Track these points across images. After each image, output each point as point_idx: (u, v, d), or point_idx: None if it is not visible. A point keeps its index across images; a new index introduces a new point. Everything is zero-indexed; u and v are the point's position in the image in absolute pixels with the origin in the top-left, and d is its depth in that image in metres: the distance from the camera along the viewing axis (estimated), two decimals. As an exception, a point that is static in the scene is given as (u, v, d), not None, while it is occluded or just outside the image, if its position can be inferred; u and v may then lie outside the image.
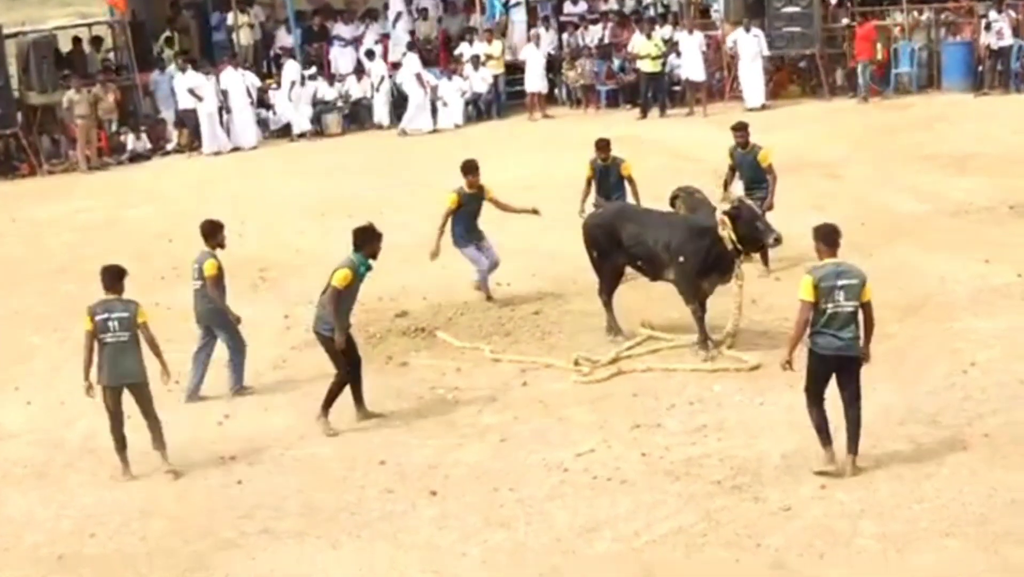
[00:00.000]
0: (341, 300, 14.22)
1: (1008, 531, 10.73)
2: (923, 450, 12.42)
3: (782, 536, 11.05)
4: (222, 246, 15.64)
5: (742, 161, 18.67)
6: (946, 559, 10.41)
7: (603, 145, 18.76)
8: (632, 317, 16.48)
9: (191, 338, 17.35)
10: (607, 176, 18.64)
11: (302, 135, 32.79)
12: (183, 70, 32.21)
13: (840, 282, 11.84)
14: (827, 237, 12.14)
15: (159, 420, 13.65)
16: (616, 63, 33.96)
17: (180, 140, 32.52)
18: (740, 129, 18.71)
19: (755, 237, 15.14)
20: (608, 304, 16.40)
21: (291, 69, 33.23)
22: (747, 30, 31.68)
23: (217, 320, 15.55)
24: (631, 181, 18.55)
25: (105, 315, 13.47)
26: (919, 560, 10.44)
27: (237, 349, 15.76)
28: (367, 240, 14.51)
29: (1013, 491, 11.40)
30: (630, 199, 18.34)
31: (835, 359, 11.96)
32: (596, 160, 18.71)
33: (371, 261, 14.52)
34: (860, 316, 11.94)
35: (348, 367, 14.43)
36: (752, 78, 31.74)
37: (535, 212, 18.19)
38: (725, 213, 15.11)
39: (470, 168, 17.94)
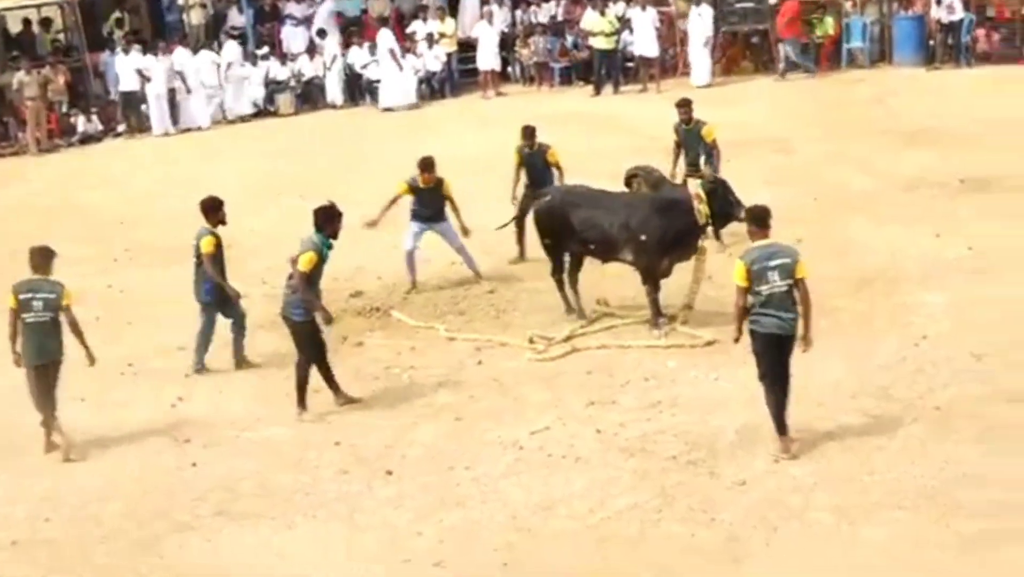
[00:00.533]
0: (311, 282, 14.16)
1: (959, 504, 10.82)
2: (875, 423, 12.49)
3: (737, 510, 11.10)
4: (223, 223, 15.60)
5: (686, 137, 18.72)
6: (898, 532, 10.48)
7: (528, 132, 18.72)
8: (587, 294, 16.49)
9: (149, 320, 17.38)
10: (534, 163, 18.56)
11: (247, 116, 32.68)
12: (126, 51, 31.96)
13: (772, 263, 11.91)
14: (758, 219, 12.26)
15: (56, 402, 13.66)
16: (569, 40, 33.96)
17: (130, 122, 32.33)
18: (684, 105, 18.84)
19: (729, 212, 15.14)
20: (561, 284, 16.30)
21: (231, 50, 33.07)
22: (696, 4, 31.75)
23: (215, 298, 15.56)
24: (558, 168, 18.45)
25: (29, 295, 13.48)
26: (871, 533, 10.51)
27: (238, 325, 15.81)
28: (328, 220, 14.51)
29: (964, 464, 11.49)
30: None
31: (777, 337, 12.02)
32: (523, 147, 18.64)
33: (332, 241, 14.47)
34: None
35: (317, 353, 14.33)
36: (699, 56, 31.80)
37: (465, 233, 17.97)
38: (703, 188, 15.09)
39: (426, 165, 17.77)
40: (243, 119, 32.63)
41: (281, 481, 12.58)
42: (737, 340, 12.40)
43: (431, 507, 11.74)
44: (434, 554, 10.92)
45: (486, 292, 17.45)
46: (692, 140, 18.81)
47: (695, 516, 11.08)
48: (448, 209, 17.94)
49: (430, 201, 17.87)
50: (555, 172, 18.47)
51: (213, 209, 15.57)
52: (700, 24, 31.71)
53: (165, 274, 19.22)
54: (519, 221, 18.03)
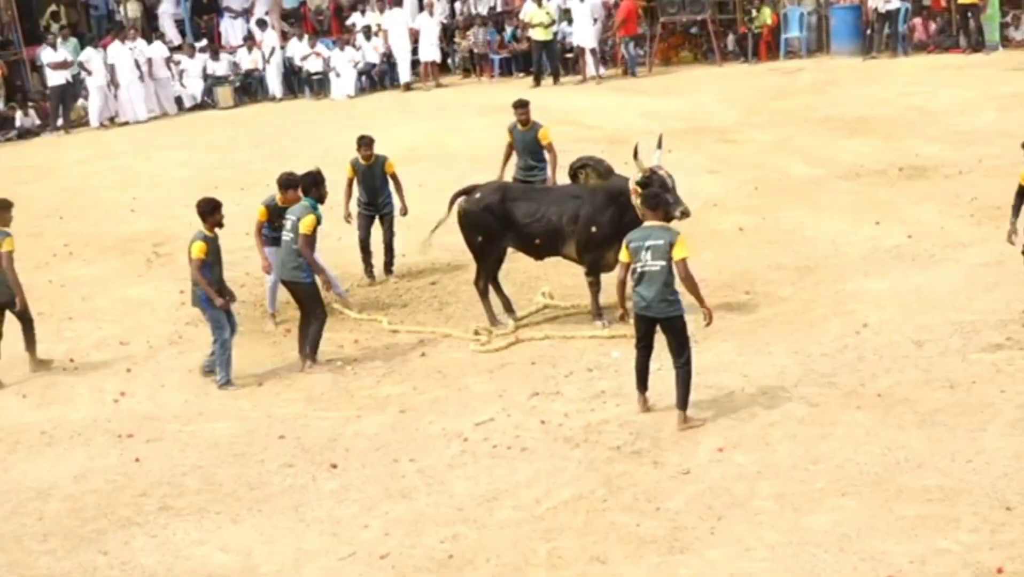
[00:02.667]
0: (313, 245, 14.97)
1: (902, 489, 10.88)
2: (818, 411, 12.55)
3: (681, 499, 11.12)
4: (220, 225, 15.03)
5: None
6: (843, 518, 10.52)
7: (520, 105, 18.64)
8: (533, 285, 16.52)
9: (89, 315, 17.27)
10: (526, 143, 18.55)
11: (189, 108, 32.58)
12: (53, 46, 31.70)
13: (648, 243, 12.33)
14: (649, 201, 12.78)
15: None
16: (508, 31, 33.97)
17: (68, 115, 32.09)
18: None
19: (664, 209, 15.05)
20: (486, 292, 15.94)
21: (156, 49, 32.95)
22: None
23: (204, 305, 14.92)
24: (550, 149, 18.25)
25: None
26: (816, 520, 10.56)
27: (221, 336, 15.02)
28: (315, 184, 15.45)
29: (906, 449, 11.56)
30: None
31: (645, 317, 12.49)
32: (515, 125, 18.58)
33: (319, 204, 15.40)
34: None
35: (324, 310, 15.19)
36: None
37: (404, 212, 18.04)
38: (637, 183, 14.95)
39: (365, 142, 17.85)
40: (184, 111, 32.49)
41: (225, 475, 12.52)
42: (622, 317, 13.01)
43: (376, 499, 11.71)
44: (380, 546, 10.89)
45: (428, 284, 17.45)
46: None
47: (640, 505, 11.09)
48: (392, 189, 18.00)
49: (371, 180, 17.88)
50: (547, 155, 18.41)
51: (210, 211, 14.93)
52: (584, 19, 32.22)
53: (105, 268, 19.14)
54: None
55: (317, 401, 14.21)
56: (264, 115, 31.58)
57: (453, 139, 23.95)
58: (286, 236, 15.11)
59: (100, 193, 23.59)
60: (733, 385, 13.31)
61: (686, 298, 12.48)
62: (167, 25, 35.48)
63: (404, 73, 33.40)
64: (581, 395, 13.53)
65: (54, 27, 33.91)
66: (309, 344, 15.12)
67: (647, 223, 12.61)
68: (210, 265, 14.74)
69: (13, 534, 11.73)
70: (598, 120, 26.58)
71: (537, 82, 31.99)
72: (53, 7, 34.95)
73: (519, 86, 31.88)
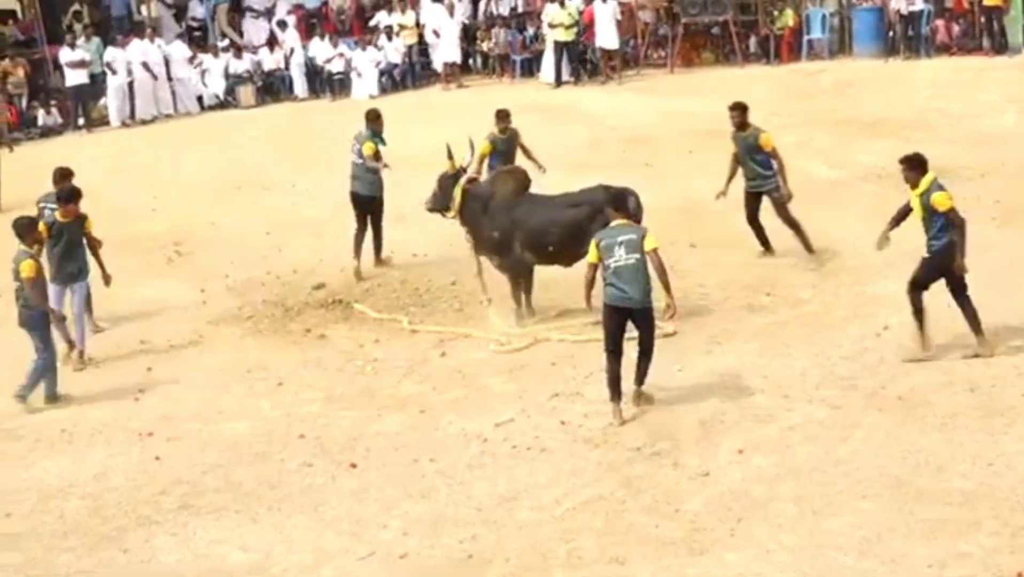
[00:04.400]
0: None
1: (922, 492, 10.86)
2: (839, 413, 12.53)
3: (700, 501, 11.11)
4: (40, 242, 14.98)
5: (507, 147, 18.58)
6: (863, 521, 10.50)
7: (503, 116, 18.74)
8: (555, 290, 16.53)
9: (112, 313, 17.32)
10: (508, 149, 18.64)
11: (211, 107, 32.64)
12: (71, 46, 31.77)
13: (620, 239, 12.79)
14: (615, 201, 13.43)
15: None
16: (531, 32, 33.93)
17: (88, 115, 32.13)
18: (503, 117, 18.42)
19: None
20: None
21: (176, 49, 33.02)
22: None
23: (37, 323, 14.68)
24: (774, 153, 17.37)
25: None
26: (836, 522, 10.54)
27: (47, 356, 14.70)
28: (375, 120, 18.65)
29: (927, 452, 11.53)
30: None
31: (621, 309, 12.80)
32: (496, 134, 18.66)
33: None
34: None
35: None
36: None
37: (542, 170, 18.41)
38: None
39: (503, 115, 18.74)
40: (206, 110, 32.55)
41: (245, 474, 12.54)
42: (588, 309, 13.49)
43: (396, 499, 11.72)
44: (399, 546, 10.90)
45: (449, 284, 17.43)
46: (512, 149, 18.63)
47: (659, 507, 11.09)
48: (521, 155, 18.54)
49: (508, 151, 18.40)
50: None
51: (28, 230, 14.72)
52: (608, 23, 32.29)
53: (125, 266, 19.11)
54: None
55: (337, 401, 14.22)
56: (285, 115, 31.58)
57: (475, 140, 23.89)
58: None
59: (121, 192, 23.61)
60: (753, 387, 13.29)
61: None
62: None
63: (450, 53, 33.37)
64: (601, 396, 13.47)
65: (77, 26, 33.95)
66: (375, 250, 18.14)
67: (615, 223, 13.04)
68: (42, 282, 14.69)
69: (34, 532, 11.77)
70: (619, 121, 26.55)
71: (558, 83, 31.95)
72: (76, 6, 34.99)
73: (540, 87, 31.93)
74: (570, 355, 14.76)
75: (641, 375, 13.07)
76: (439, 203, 16.27)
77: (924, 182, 13.69)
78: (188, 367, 15.63)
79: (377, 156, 18.44)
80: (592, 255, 12.91)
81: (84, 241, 16.16)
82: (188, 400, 14.57)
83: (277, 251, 19.77)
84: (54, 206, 16.56)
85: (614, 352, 12.91)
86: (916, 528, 10.34)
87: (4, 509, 12.23)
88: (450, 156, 16.11)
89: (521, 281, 15.89)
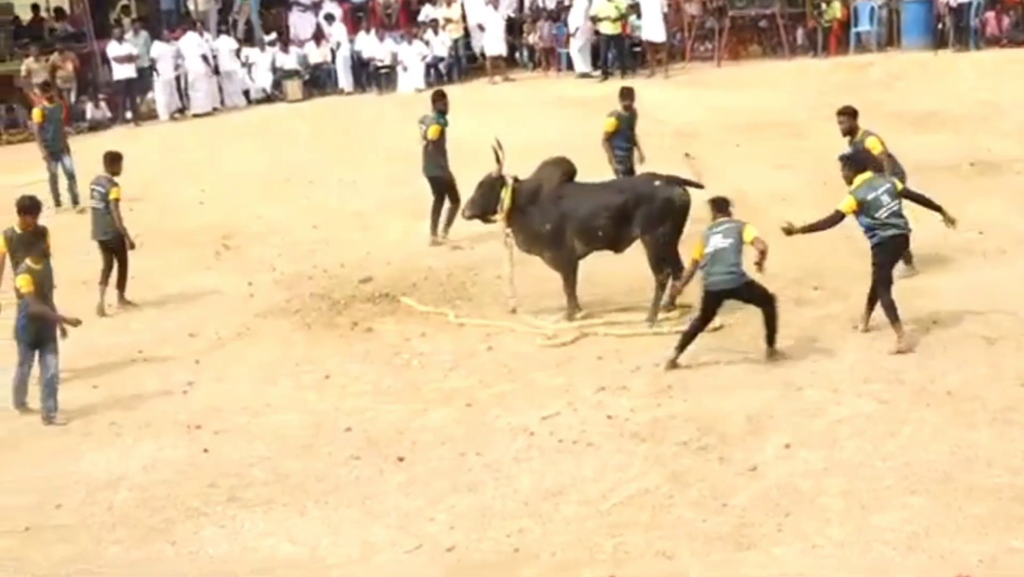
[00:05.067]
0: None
1: (971, 487, 10.80)
2: (887, 408, 12.47)
3: (747, 496, 11.08)
4: (46, 255, 14.45)
5: (629, 124, 18.95)
6: (911, 516, 10.45)
7: (627, 94, 19.03)
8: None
9: (159, 306, 17.46)
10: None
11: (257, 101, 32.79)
12: (119, 40, 31.94)
13: (718, 229, 13.92)
14: (717, 204, 14.28)
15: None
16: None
17: (136, 109, 32.30)
18: (845, 114, 17.11)
19: None
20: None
21: (223, 43, 33.14)
22: None
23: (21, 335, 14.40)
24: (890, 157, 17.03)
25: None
26: (884, 518, 10.49)
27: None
28: (440, 98, 19.82)
29: (975, 447, 11.47)
30: None
31: (718, 293, 13.88)
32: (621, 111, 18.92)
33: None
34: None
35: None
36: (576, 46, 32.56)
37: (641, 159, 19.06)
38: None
39: (627, 93, 19.18)
40: (253, 104, 32.69)
41: (293, 467, 12.57)
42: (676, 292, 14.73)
43: (442, 493, 11.73)
44: (445, 540, 10.91)
45: (495, 277, 17.41)
46: (633, 128, 19.06)
47: (706, 502, 11.06)
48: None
49: (630, 129, 18.88)
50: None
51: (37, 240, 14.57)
52: (577, 15, 32.56)
53: (174, 259, 19.28)
54: None
55: (384, 394, 14.25)
56: (332, 109, 31.64)
57: (519, 133, 23.88)
58: None
59: (169, 185, 23.77)
60: (801, 381, 13.25)
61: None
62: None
63: (495, 47, 33.47)
64: (647, 390, 13.50)
65: (125, 21, 34.11)
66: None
67: (717, 221, 14.05)
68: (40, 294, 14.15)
69: (83, 524, 11.83)
70: (666, 114, 26.46)
71: (605, 76, 31.90)
72: (124, 1, 35.18)
73: (587, 80, 31.88)
74: (616, 349, 14.76)
75: (771, 333, 13.88)
76: (479, 208, 16.29)
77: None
78: (236, 360, 15.69)
79: (442, 136, 19.18)
80: (696, 251, 13.97)
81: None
82: (236, 393, 14.63)
83: (324, 244, 19.83)
84: (103, 189, 17.51)
85: (700, 322, 14.04)
86: (965, 524, 10.28)
87: (54, 501, 12.31)
88: (498, 160, 16.06)
89: (571, 274, 15.85)
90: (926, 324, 14.42)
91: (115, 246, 17.76)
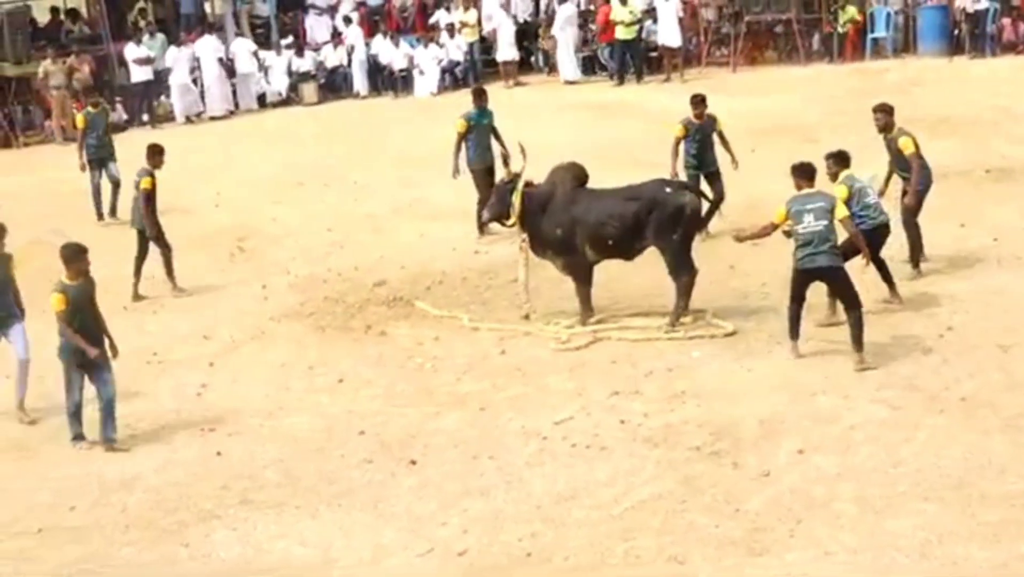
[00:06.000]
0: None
1: (984, 494, 10.78)
2: (900, 414, 12.46)
3: (760, 501, 11.08)
4: (85, 273, 13.54)
5: (699, 133, 18.67)
6: (923, 522, 10.44)
7: (698, 101, 18.86)
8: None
9: (172, 309, 17.49)
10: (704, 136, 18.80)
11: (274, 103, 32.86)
12: (137, 42, 32.02)
13: (810, 206, 13.80)
14: (802, 171, 14.24)
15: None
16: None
17: (153, 111, 32.36)
18: (880, 111, 17.02)
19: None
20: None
21: (240, 45, 33.19)
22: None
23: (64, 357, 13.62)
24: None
25: None
26: (896, 524, 10.48)
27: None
28: (479, 95, 19.90)
29: (989, 454, 11.45)
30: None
31: (810, 271, 13.82)
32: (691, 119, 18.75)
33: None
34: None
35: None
36: (565, 53, 32.77)
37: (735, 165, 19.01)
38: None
39: (697, 100, 18.85)
40: (268, 107, 32.76)
41: (305, 470, 12.59)
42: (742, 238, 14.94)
43: (455, 496, 11.74)
44: (458, 543, 10.92)
45: (509, 281, 17.40)
46: (708, 135, 18.73)
47: (719, 507, 11.06)
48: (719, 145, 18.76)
49: (703, 138, 18.64)
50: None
51: (73, 258, 13.55)
52: (564, 22, 32.79)
53: (189, 262, 19.26)
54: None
55: (397, 397, 14.26)
56: (347, 112, 31.68)
57: (534, 137, 23.84)
58: None
59: (184, 188, 23.72)
60: (814, 387, 13.24)
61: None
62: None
63: (506, 52, 33.52)
64: (661, 395, 13.50)
65: (142, 23, 34.18)
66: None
67: (804, 191, 14.04)
68: (72, 315, 13.30)
69: (96, 525, 11.86)
70: (680, 119, 26.43)
71: (620, 81, 31.91)
72: (141, 3, 35.25)
73: (602, 85, 31.88)
74: (630, 354, 14.75)
75: (857, 336, 13.71)
76: (496, 212, 16.31)
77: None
78: (250, 363, 15.71)
79: (465, 132, 19.48)
80: (779, 215, 14.02)
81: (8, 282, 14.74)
82: (249, 396, 14.65)
83: (339, 248, 19.84)
84: (138, 179, 18.08)
85: (797, 301, 14.05)
86: (978, 530, 10.27)
87: (68, 502, 12.34)
88: (506, 163, 16.43)
89: (584, 280, 15.83)
90: (940, 330, 14.39)
91: (152, 237, 18.20)
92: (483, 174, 19.25)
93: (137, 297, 18.15)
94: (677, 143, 18.48)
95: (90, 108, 23.22)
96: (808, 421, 12.49)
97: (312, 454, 12.94)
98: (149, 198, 18.06)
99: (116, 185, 22.29)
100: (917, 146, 16.31)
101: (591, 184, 15.99)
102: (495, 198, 16.36)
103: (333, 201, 22.82)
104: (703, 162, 18.59)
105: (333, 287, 17.98)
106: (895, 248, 16.10)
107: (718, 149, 18.80)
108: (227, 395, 14.72)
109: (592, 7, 34.22)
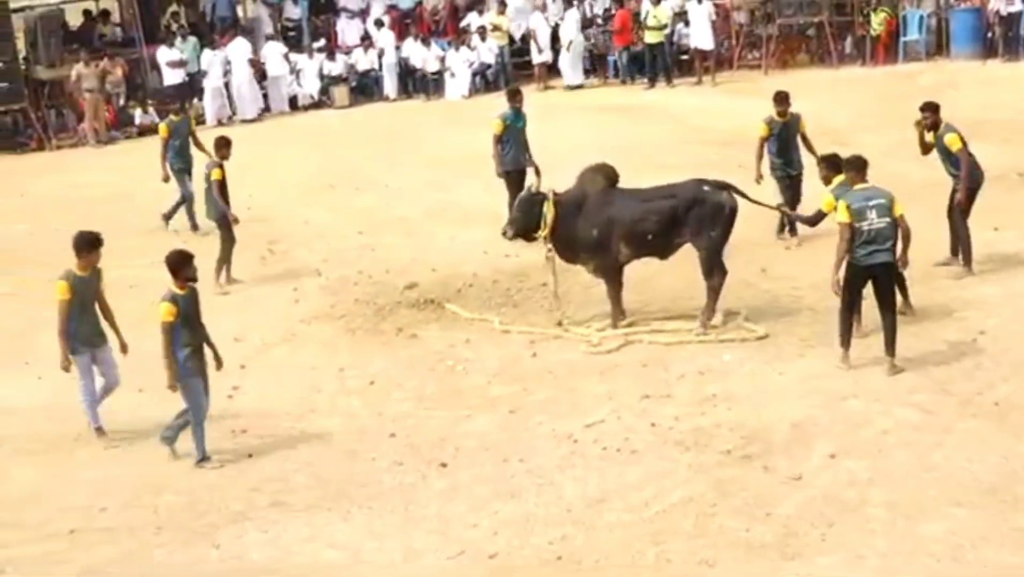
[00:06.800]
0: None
1: (1017, 499, 10.72)
2: (933, 418, 12.41)
3: (792, 505, 11.04)
4: (192, 280, 13.14)
5: (783, 132, 18.48)
6: (955, 527, 10.40)
7: (781, 99, 18.54)
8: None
9: (206, 311, 17.41)
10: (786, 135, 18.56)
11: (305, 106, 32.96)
12: (170, 45, 32.15)
13: (871, 202, 13.52)
14: (856, 166, 13.96)
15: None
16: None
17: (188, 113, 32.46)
18: (928, 109, 16.99)
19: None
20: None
21: (271, 49, 33.29)
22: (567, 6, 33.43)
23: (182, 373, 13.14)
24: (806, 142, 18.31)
25: None
26: (928, 528, 10.43)
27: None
28: (513, 96, 19.79)
29: (1022, 459, 11.39)
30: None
31: (870, 268, 13.54)
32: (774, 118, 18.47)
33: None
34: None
35: None
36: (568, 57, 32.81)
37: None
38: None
39: (782, 98, 18.48)
40: (300, 110, 32.87)
41: (336, 472, 12.59)
42: (835, 288, 13.75)
43: (485, 499, 11.73)
44: (488, 546, 10.91)
45: (540, 284, 17.39)
46: (792, 134, 18.50)
47: (750, 510, 11.02)
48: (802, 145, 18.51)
49: (786, 138, 18.41)
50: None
51: (181, 265, 13.06)
52: (569, 27, 33.01)
53: (221, 265, 19.30)
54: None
55: (427, 400, 14.26)
56: (378, 115, 31.76)
57: (565, 139, 23.87)
58: None
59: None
60: (846, 391, 13.19)
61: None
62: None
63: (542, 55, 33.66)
64: (692, 398, 13.47)
65: (174, 26, 34.33)
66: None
67: (858, 186, 13.75)
68: (180, 327, 12.97)
69: (128, 526, 11.89)
70: (712, 122, 26.44)
71: (652, 83, 31.90)
72: (174, 7, 35.43)
73: (634, 88, 31.88)
74: (661, 357, 14.72)
75: (891, 340, 13.61)
76: (520, 226, 16.00)
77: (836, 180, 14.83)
78: (281, 365, 15.74)
79: (502, 132, 19.47)
80: (844, 215, 13.48)
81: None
82: (280, 398, 14.67)
83: (370, 250, 19.87)
84: (207, 170, 18.94)
85: (852, 307, 13.86)
86: (1011, 536, 10.21)
87: (99, 504, 12.37)
88: (538, 173, 16.21)
89: (617, 281, 15.81)
90: (973, 334, 14.33)
91: (223, 225, 18.72)
92: (516, 176, 19.27)
93: (231, 280, 18.79)
94: (762, 143, 18.28)
95: (172, 116, 22.59)
96: (840, 425, 12.44)
97: (343, 456, 12.95)
98: (220, 187, 18.67)
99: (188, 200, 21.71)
100: (964, 142, 16.21)
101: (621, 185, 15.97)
102: (519, 213, 16.06)
103: (364, 204, 22.86)
104: (789, 162, 18.39)
105: (364, 289, 18.00)
106: (928, 250, 16.07)
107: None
108: (258, 397, 14.74)
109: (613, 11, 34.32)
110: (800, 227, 17.63)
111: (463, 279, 17.98)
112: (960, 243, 16.39)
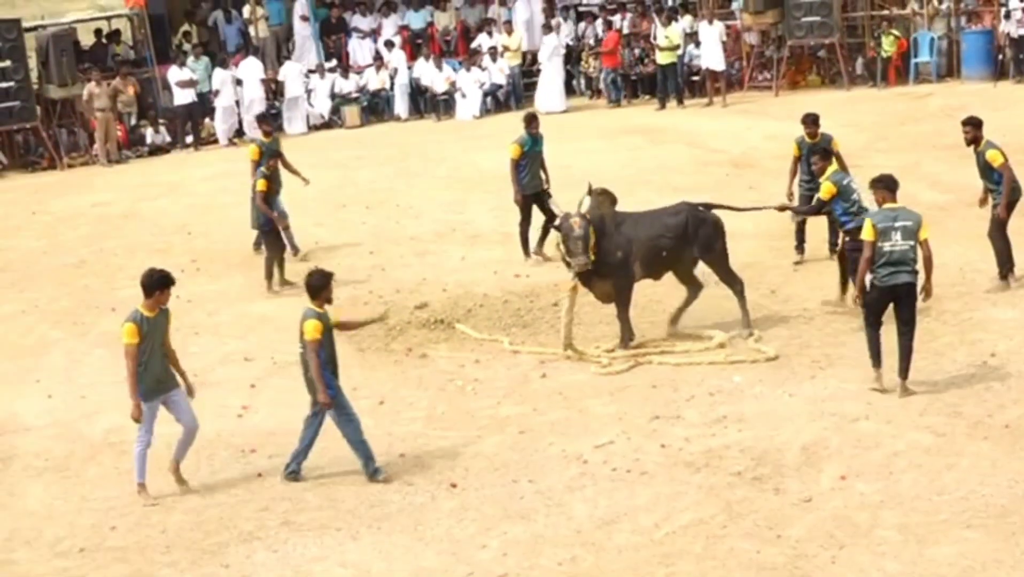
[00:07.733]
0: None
1: (1029, 522, 10.72)
2: (944, 441, 12.39)
3: (802, 527, 11.03)
4: (329, 301, 12.99)
5: (978, 161, 18.29)
6: (966, 550, 10.37)
7: (811, 120, 18.28)
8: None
9: (215, 330, 17.49)
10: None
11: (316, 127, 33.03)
12: (181, 64, 32.24)
13: (897, 224, 13.45)
14: (888, 185, 13.80)
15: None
16: (638, 52, 33.93)
17: (197, 133, 32.55)
18: (812, 122, 17.96)
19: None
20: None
21: (288, 69, 33.38)
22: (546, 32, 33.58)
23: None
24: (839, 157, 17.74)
25: None
26: (939, 552, 10.41)
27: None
28: (530, 122, 19.56)
29: (1034, 482, 11.38)
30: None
31: (892, 289, 13.46)
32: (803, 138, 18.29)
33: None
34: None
35: None
36: (549, 81, 33.15)
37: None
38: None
39: (809, 119, 18.19)
40: (311, 130, 32.93)
41: (346, 492, 12.60)
42: (856, 301, 14.23)
43: (495, 520, 11.73)
44: (497, 567, 10.90)
45: (551, 305, 17.41)
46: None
47: (761, 532, 11.01)
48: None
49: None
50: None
51: (322, 286, 12.91)
52: (551, 53, 33.07)
53: (231, 284, 19.37)
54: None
55: (437, 420, 14.26)
56: (389, 135, 31.81)
57: (576, 159, 23.88)
58: None
59: (227, 210, 23.85)
60: (857, 413, 13.18)
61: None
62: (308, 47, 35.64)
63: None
64: (702, 419, 13.46)
65: (186, 46, 34.43)
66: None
67: (887, 205, 13.64)
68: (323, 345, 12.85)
69: (137, 545, 11.90)
70: (723, 143, 26.47)
71: (662, 105, 31.94)
72: (185, 27, 35.55)
73: (644, 109, 31.91)
74: (671, 378, 14.72)
75: (905, 364, 13.53)
76: (585, 254, 15.45)
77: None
78: (291, 384, 15.67)
79: (519, 157, 19.44)
80: (869, 233, 13.47)
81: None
82: (291, 417, 14.60)
83: (380, 270, 19.88)
84: (253, 181, 19.75)
85: (876, 325, 13.77)
86: (1022, 559, 10.19)
87: (109, 522, 12.39)
88: (590, 191, 15.79)
89: (628, 302, 15.81)
90: (984, 357, 14.31)
91: (268, 232, 19.37)
92: (530, 200, 19.33)
93: (284, 283, 19.14)
94: (796, 162, 18.19)
95: (263, 137, 21.86)
96: (850, 447, 12.43)
97: (353, 476, 12.93)
98: (264, 198, 19.28)
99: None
100: (1006, 157, 16.42)
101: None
102: (580, 244, 15.41)
103: (375, 223, 22.89)
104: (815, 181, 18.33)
105: (374, 309, 17.99)
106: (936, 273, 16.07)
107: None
108: (268, 417, 14.75)
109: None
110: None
111: (473, 299, 17.98)
112: (996, 256, 16.40)
